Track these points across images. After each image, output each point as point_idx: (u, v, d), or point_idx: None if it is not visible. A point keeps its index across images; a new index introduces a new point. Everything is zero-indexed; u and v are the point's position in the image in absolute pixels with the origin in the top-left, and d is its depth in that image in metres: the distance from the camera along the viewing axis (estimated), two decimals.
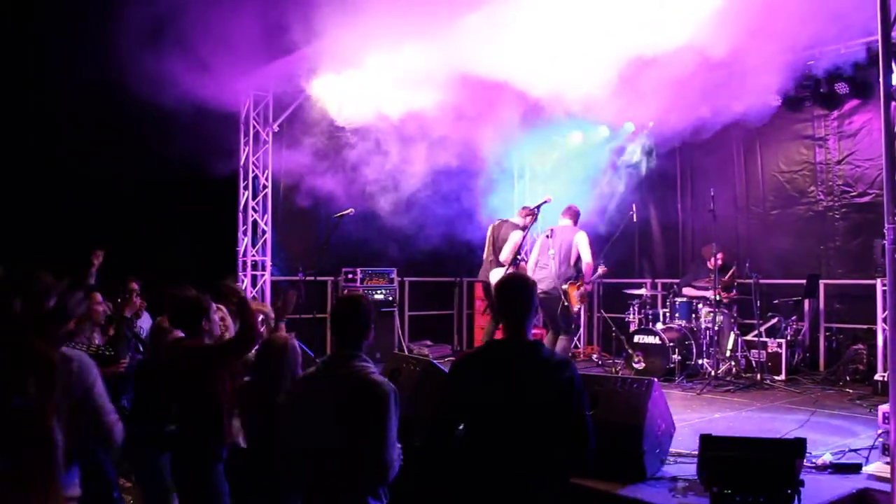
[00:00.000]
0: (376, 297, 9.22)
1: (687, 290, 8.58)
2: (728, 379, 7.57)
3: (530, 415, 2.70)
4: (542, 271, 7.16)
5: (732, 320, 8.18)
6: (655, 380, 4.43)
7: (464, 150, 8.85)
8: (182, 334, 3.74)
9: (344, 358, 2.97)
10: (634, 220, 8.32)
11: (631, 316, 8.63)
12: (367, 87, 7.73)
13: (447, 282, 10.52)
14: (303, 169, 8.94)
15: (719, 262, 7.98)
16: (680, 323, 8.17)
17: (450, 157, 8.84)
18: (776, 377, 7.70)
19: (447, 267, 9.73)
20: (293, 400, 3.05)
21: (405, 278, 10.04)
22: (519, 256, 6.74)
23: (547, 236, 7.32)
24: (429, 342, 9.83)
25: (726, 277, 8.34)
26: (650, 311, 8.53)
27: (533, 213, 7.07)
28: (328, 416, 2.90)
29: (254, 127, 9.21)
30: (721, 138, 9.09)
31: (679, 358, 7.82)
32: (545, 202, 6.60)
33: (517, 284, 2.91)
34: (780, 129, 8.85)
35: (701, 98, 7.52)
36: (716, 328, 7.87)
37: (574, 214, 7.37)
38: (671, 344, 7.85)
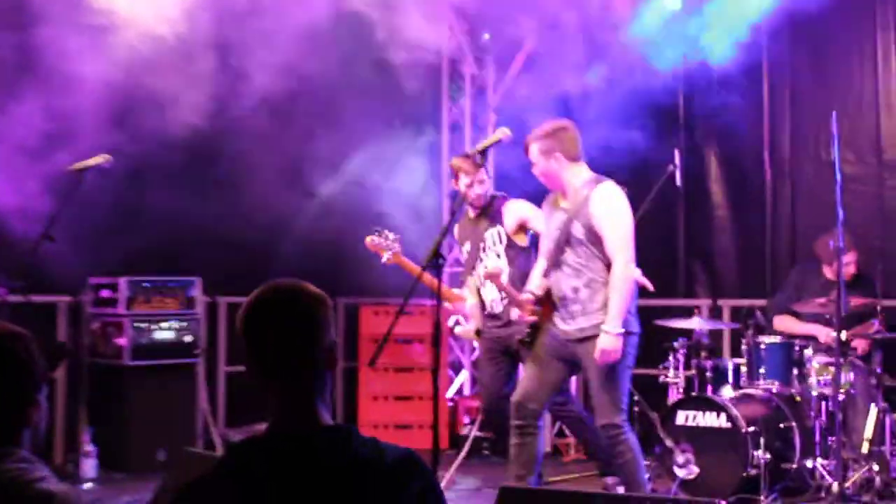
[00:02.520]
0: (159, 334, 9.02)
1: (782, 322, 8.48)
2: (867, 500, 7.43)
3: None
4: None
5: (874, 382, 7.90)
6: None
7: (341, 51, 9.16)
8: None
9: None
10: (678, 183, 8.27)
11: (670, 372, 8.23)
12: None
13: None
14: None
15: (849, 268, 7.93)
16: (769, 386, 7.92)
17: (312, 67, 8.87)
18: None
19: (308, 275, 9.00)
20: None
21: (218, 298, 9.85)
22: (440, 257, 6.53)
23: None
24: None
25: (861, 300, 7.96)
26: (709, 363, 8.12)
27: (476, 162, 7.34)
28: None
29: None
30: (853, 24, 9.19)
31: (767, 456, 7.49)
32: (498, 142, 6.57)
33: (282, 305, 2.80)
34: None
35: None
36: (841, 397, 7.50)
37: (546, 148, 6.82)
38: (752, 428, 7.51)
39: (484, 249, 7.62)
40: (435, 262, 6.05)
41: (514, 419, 6.75)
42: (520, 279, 7.31)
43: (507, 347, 7.44)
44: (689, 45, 9.36)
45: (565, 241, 6.54)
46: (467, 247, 7.76)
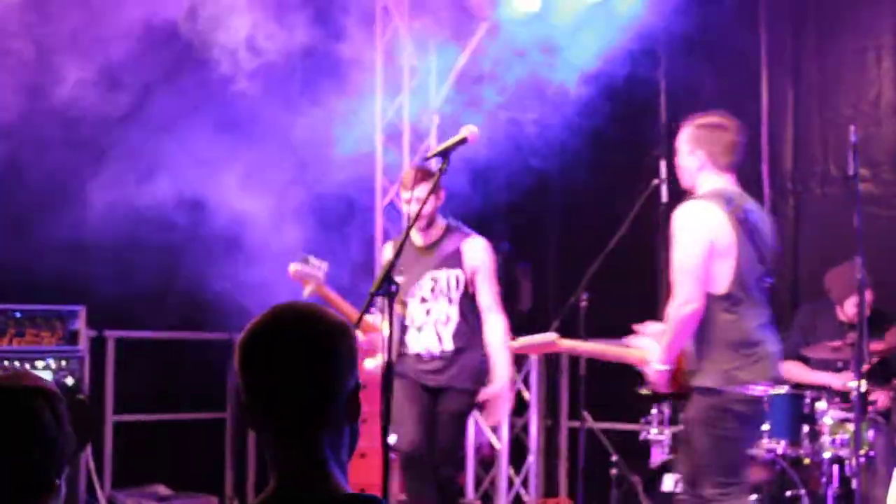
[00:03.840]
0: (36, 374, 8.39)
1: (788, 369, 7.79)
2: None
3: None
4: None
5: None
6: None
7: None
8: None
9: None
10: (663, 199, 8.04)
11: (653, 429, 7.94)
12: None
13: (210, 342, 10.37)
14: None
15: (866, 307, 7.14)
16: (774, 446, 7.43)
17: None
18: None
19: (210, 311, 9.44)
20: None
21: (107, 332, 9.40)
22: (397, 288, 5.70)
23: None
24: (162, 489, 9.35)
25: (880, 345, 7.65)
26: None
27: (434, 174, 6.75)
28: None
29: None
30: (869, 12, 8.77)
31: None
32: (462, 142, 5.71)
33: (289, 335, 2.58)
34: None
35: None
36: (861, 459, 6.93)
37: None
38: (753, 497, 7.00)
39: (433, 291, 7.08)
40: (387, 289, 5.32)
41: None
42: (470, 339, 6.98)
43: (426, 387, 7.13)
44: (673, 30, 8.99)
45: None
46: (400, 279, 6.74)
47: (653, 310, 9.55)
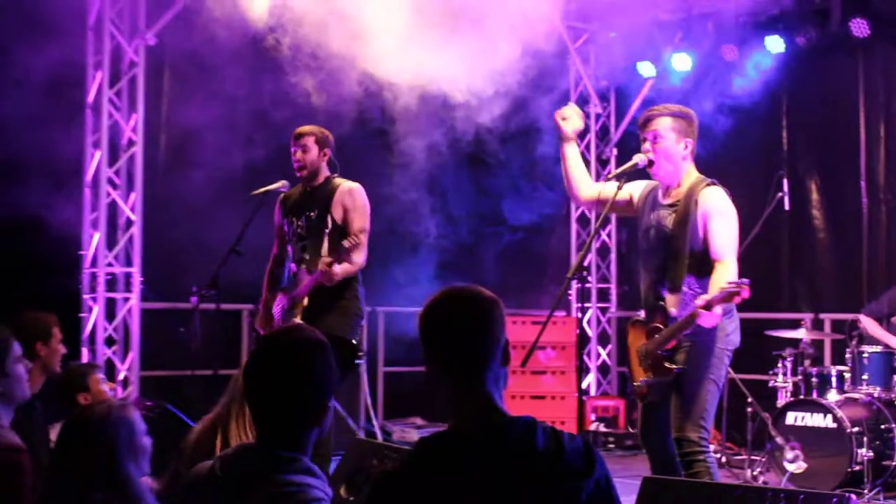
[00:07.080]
0: None
1: (867, 323, 8.29)
2: None
3: None
4: None
5: None
6: (853, 497, 3.85)
7: None
8: None
9: (270, 462, 2.78)
10: (786, 207, 8.14)
11: (779, 378, 8.27)
12: None
13: None
14: (200, 112, 8.61)
15: None
16: (871, 391, 7.85)
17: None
18: None
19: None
20: None
21: (380, 308, 9.83)
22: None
23: None
24: (419, 420, 9.71)
25: None
26: (814, 370, 8.14)
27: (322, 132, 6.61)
28: None
29: (112, 37, 8.77)
30: None
31: (870, 454, 7.52)
32: (634, 166, 5.48)
33: (459, 306, 2.71)
34: None
35: None
36: None
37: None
38: (855, 429, 7.55)
39: (308, 228, 6.49)
40: (580, 275, 5.63)
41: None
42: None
43: None
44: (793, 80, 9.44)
45: (670, 248, 5.37)
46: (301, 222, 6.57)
47: (777, 293, 10.20)
